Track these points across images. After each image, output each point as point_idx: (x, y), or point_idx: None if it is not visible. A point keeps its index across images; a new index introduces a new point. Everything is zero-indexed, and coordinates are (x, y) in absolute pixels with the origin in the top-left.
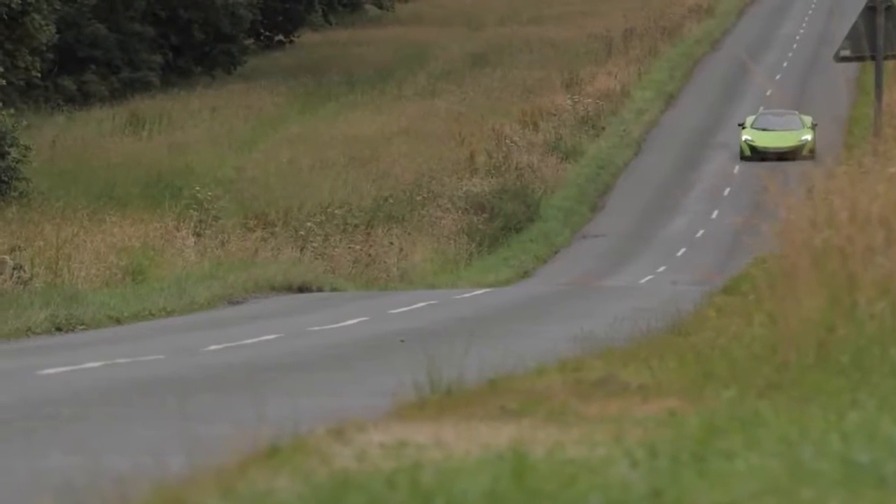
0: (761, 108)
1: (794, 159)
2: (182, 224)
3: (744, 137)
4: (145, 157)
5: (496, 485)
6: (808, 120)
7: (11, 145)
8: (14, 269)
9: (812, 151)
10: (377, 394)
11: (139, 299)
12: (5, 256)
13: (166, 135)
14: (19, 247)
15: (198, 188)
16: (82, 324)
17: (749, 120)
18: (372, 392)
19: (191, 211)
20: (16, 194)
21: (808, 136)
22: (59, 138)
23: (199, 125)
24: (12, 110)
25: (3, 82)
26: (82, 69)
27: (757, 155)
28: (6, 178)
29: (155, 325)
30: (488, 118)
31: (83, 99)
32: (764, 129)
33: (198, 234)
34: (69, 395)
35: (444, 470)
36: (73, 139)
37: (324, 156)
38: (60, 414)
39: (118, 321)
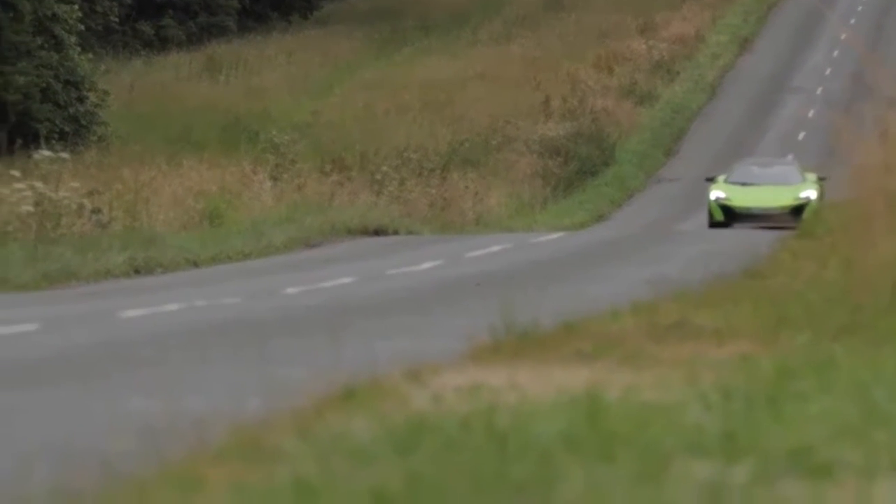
0: (746, 159)
1: (788, 227)
2: (259, 168)
3: (714, 196)
4: (222, 102)
5: (571, 427)
6: (810, 175)
7: (90, 90)
8: (93, 212)
9: None
10: (453, 337)
11: (217, 242)
12: (84, 200)
13: (243, 79)
14: (98, 190)
15: (274, 132)
16: (161, 266)
17: (722, 177)
18: (447, 335)
19: (267, 155)
20: (94, 138)
21: (811, 194)
22: (136, 83)
23: (275, 70)
24: (91, 55)
25: (82, 27)
26: (160, 14)
27: (733, 219)
28: (85, 123)
29: (232, 268)
30: (563, 63)
31: (161, 44)
32: (744, 184)
33: (274, 178)
34: (148, 337)
35: (519, 413)
36: (150, 84)
37: (399, 100)
38: (139, 356)
39: (196, 264)
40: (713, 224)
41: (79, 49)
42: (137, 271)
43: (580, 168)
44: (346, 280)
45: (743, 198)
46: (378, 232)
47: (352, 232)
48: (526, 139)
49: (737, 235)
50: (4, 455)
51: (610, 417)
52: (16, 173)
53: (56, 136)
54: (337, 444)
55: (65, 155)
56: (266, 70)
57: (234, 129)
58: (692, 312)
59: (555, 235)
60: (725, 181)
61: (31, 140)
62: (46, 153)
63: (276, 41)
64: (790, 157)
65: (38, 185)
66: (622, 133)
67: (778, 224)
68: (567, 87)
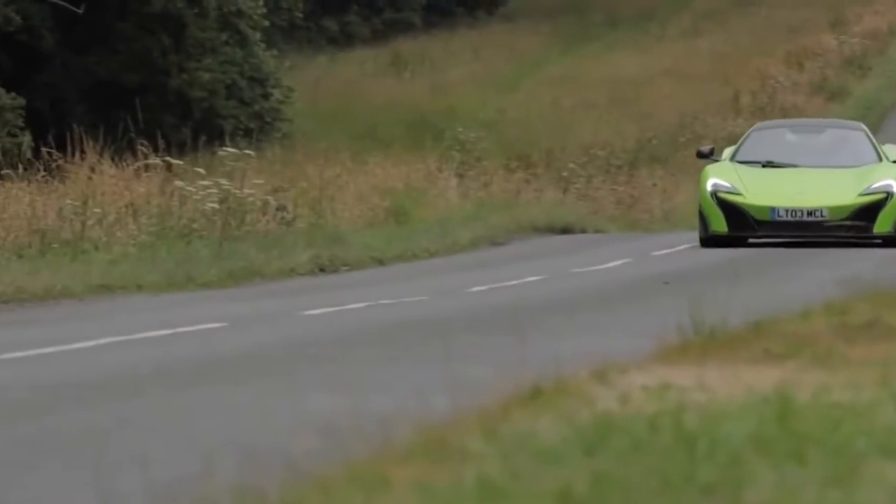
0: (774, 121)
1: (845, 238)
2: (444, 165)
3: (710, 185)
4: (407, 99)
5: (761, 428)
6: (892, 150)
7: (275, 86)
8: (277, 209)
9: None
10: (640, 336)
11: (402, 240)
12: (269, 197)
13: (428, 76)
14: (283, 187)
15: (460, 129)
16: (345, 264)
17: (728, 152)
18: (635, 334)
19: (453, 152)
20: (279, 135)
21: (892, 185)
22: (321, 79)
23: (460, 66)
24: (275, 51)
25: (267, 24)
26: (345, 10)
27: (745, 228)
28: (270, 119)
29: (418, 267)
30: (752, 58)
31: (345, 40)
32: (767, 165)
33: (460, 176)
34: (332, 335)
35: (708, 413)
36: (335, 80)
37: (586, 97)
38: (324, 354)
39: (381, 262)
40: (709, 239)
41: (263, 45)
42: (322, 269)
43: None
44: (532, 278)
45: (764, 190)
46: (565, 230)
47: (538, 230)
48: (714, 136)
49: None
50: (189, 453)
51: (800, 418)
52: (201, 170)
53: (241, 132)
54: (523, 444)
55: (249, 152)
56: (451, 66)
57: (419, 125)
58: (886, 312)
59: None
60: (732, 159)
61: (216, 137)
62: (231, 150)
63: (461, 37)
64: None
65: (223, 182)
66: None
67: (831, 237)
68: (756, 83)
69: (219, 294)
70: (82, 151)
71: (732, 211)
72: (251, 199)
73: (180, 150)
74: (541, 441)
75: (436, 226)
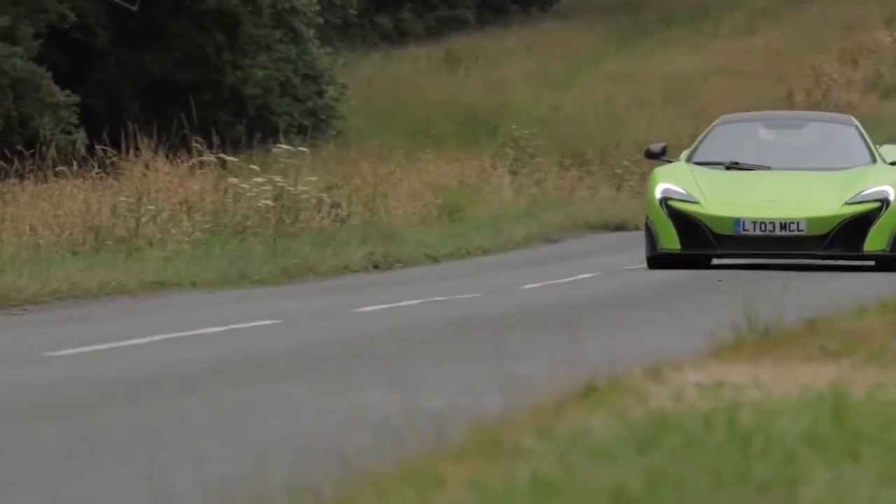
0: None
1: (827, 258)
2: (498, 162)
3: (660, 192)
4: (461, 96)
5: (815, 426)
6: (890, 150)
7: (329, 84)
8: (331, 207)
9: None
10: (694, 333)
11: (455, 237)
12: (323, 194)
13: (482, 73)
14: (336, 185)
15: (514, 126)
16: (399, 262)
17: (685, 154)
18: (688, 331)
19: (507, 149)
20: (333, 132)
21: (887, 192)
22: (375, 76)
23: (514, 63)
24: (329, 49)
25: (321, 21)
26: (398, 7)
27: (702, 245)
28: (324, 117)
29: (471, 264)
30: (806, 55)
31: (399, 37)
32: (732, 168)
33: (514, 173)
34: (386, 332)
35: (762, 410)
36: (389, 77)
37: (640, 94)
38: (377, 351)
39: (435, 259)
40: (657, 258)
41: (317, 43)
42: (376, 266)
43: None
44: (586, 275)
45: (727, 198)
46: (618, 227)
47: (592, 227)
48: None
49: None
50: (242, 451)
51: (855, 416)
52: (255, 167)
53: (295, 130)
54: (576, 442)
55: (303, 149)
56: (505, 63)
57: (473, 123)
58: None
59: None
60: (689, 160)
61: (270, 134)
62: (285, 147)
63: (515, 34)
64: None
65: (277, 179)
66: (867, 127)
67: (810, 256)
68: (810, 81)
69: (273, 291)
70: (137, 149)
71: (686, 223)
72: (305, 196)
73: (234, 147)
74: (594, 439)
75: (489, 223)
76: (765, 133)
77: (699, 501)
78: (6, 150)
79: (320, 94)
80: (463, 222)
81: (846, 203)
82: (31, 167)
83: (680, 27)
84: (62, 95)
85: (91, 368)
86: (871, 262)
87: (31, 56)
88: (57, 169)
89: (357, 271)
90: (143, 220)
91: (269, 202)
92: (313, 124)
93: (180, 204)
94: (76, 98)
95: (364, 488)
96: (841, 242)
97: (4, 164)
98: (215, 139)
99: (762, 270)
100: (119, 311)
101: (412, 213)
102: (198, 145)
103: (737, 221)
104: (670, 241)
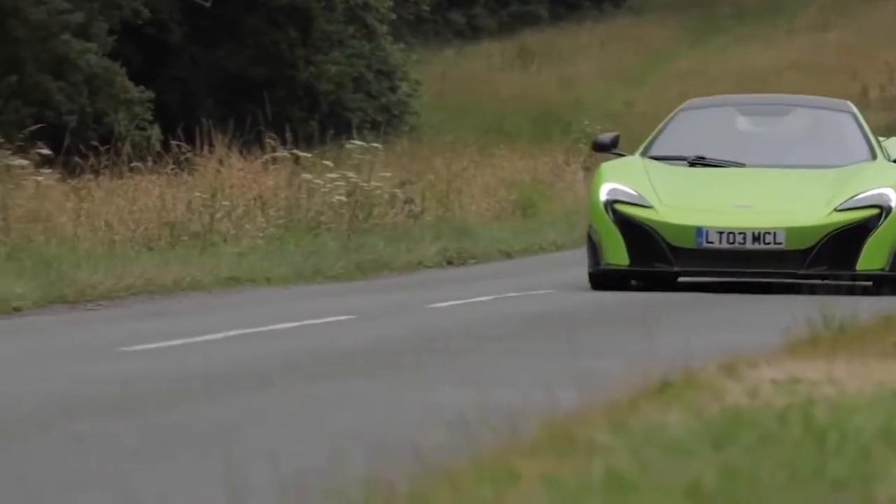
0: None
1: (813, 278)
2: (571, 158)
3: (604, 193)
4: (534, 91)
5: (891, 422)
6: (893, 143)
7: (402, 80)
8: (405, 202)
9: None
10: (769, 330)
11: (529, 233)
12: (396, 190)
13: (555, 69)
14: (410, 180)
15: (587, 122)
16: (473, 257)
17: (641, 149)
18: (764, 328)
19: (580, 145)
20: (406, 128)
21: (888, 195)
22: (448, 72)
23: (588, 59)
24: (402, 45)
25: (394, 17)
26: (471, 3)
27: (657, 259)
28: (397, 113)
29: (545, 259)
30: (881, 51)
31: (472, 33)
32: (697, 164)
33: (587, 169)
34: (460, 328)
35: (838, 407)
36: (462, 73)
37: (713, 90)
38: (451, 347)
39: (508, 255)
40: (600, 275)
41: (390, 38)
42: (450, 262)
43: None
44: None
45: (688, 201)
46: None
47: None
48: None
49: None
50: (317, 446)
51: None
52: (328, 163)
53: (368, 125)
54: (651, 438)
55: (377, 145)
56: (579, 59)
57: (546, 118)
58: None
59: None
60: (645, 154)
61: (343, 130)
62: (358, 143)
63: (588, 30)
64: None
65: (351, 174)
66: None
67: (790, 275)
68: (885, 76)
69: (346, 287)
70: (211, 144)
71: (636, 233)
72: (378, 191)
73: (308, 143)
74: (669, 435)
75: (563, 219)
76: (740, 121)
77: (774, 498)
78: (81, 146)
79: (393, 89)
80: (536, 218)
81: (836, 209)
82: (107, 163)
83: (753, 23)
84: (136, 91)
85: (166, 364)
86: (868, 282)
87: (106, 52)
88: (132, 165)
89: (431, 267)
90: (218, 215)
91: (343, 198)
92: (386, 120)
93: (254, 200)
94: (150, 94)
95: (438, 484)
96: (828, 259)
97: (80, 160)
98: (289, 135)
99: None
100: (193, 307)
101: (485, 209)
102: (271, 141)
103: (699, 231)
104: (616, 254)
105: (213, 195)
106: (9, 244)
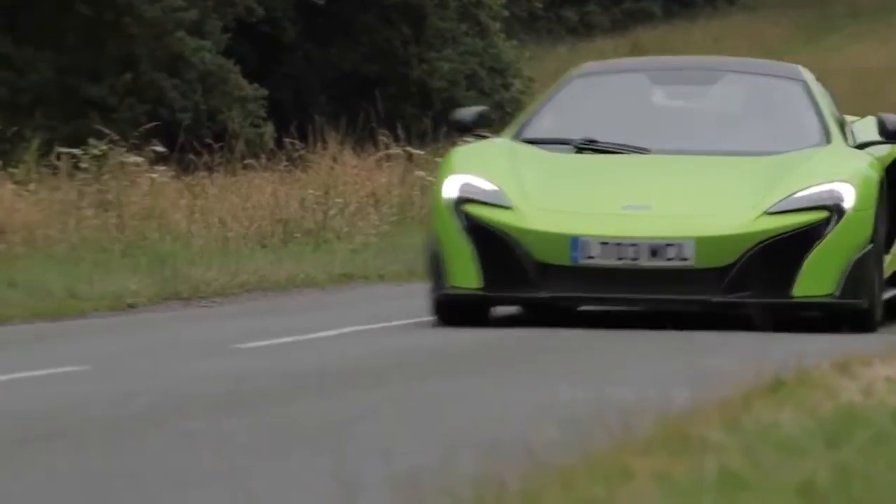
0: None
1: (729, 306)
2: None
3: (453, 186)
4: None
5: None
6: (859, 126)
7: (515, 77)
8: None
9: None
10: (884, 328)
11: None
12: None
13: None
14: None
15: None
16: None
17: (511, 131)
18: (879, 326)
19: None
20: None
21: (842, 192)
22: (560, 70)
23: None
24: (515, 42)
25: (506, 14)
26: (584, 0)
27: (508, 282)
28: (510, 110)
29: None
30: None
31: (585, 30)
32: (591, 151)
33: None
34: (574, 325)
35: None
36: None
37: (829, 88)
38: (565, 345)
39: None
40: (444, 302)
41: (503, 36)
42: None
43: None
44: None
45: (562, 201)
46: None
47: None
48: None
49: None
50: (430, 443)
51: None
52: (441, 160)
53: None
54: (764, 436)
55: None
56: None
57: None
58: None
59: None
60: (517, 137)
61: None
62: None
63: (701, 27)
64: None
65: None
66: None
67: (699, 304)
68: None
69: None
70: (324, 142)
71: (492, 244)
72: None
73: (421, 139)
74: (782, 433)
75: None
76: (650, 92)
77: (888, 496)
78: (195, 143)
79: (506, 87)
80: None
81: (767, 212)
82: (220, 160)
83: (868, 20)
84: (250, 89)
85: (279, 361)
86: (815, 313)
87: (220, 50)
88: (245, 162)
89: None
90: (331, 212)
91: None
92: (499, 117)
93: (367, 197)
94: (264, 91)
95: (551, 481)
96: (755, 281)
97: (194, 157)
98: (401, 132)
99: None
100: (307, 304)
101: None
102: (384, 138)
103: (574, 242)
104: (465, 274)
105: (327, 192)
106: (123, 241)
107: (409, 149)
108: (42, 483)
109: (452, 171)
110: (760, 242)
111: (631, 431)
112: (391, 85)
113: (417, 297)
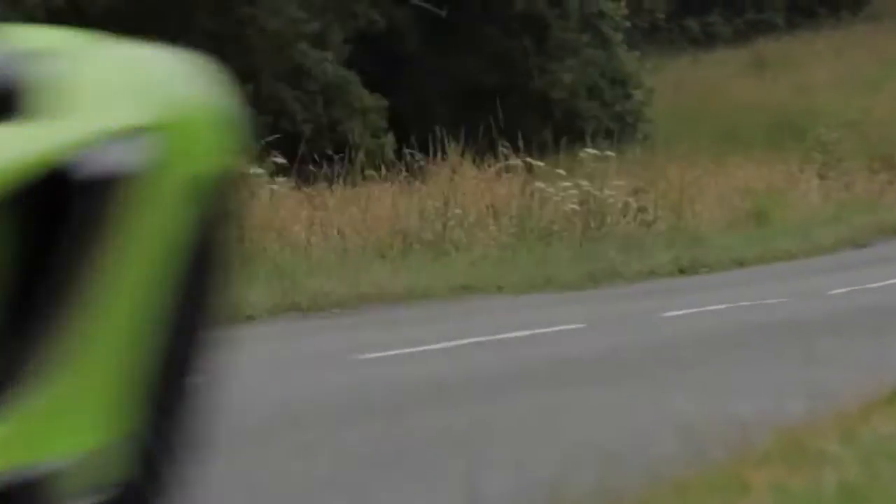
0: None
1: None
2: (805, 166)
3: None
4: (769, 100)
5: None
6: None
7: (636, 87)
8: (638, 211)
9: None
10: None
11: (762, 242)
12: (629, 199)
13: (790, 76)
14: (643, 189)
15: (822, 130)
16: (705, 266)
17: None
18: None
19: (814, 153)
20: (640, 136)
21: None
22: (682, 81)
23: (823, 67)
24: (637, 53)
25: (628, 25)
26: (707, 10)
27: None
28: (631, 121)
29: (778, 268)
30: None
31: (707, 40)
32: None
33: (821, 177)
34: (692, 337)
35: None
36: (696, 81)
37: None
38: (683, 356)
39: (741, 264)
40: None
41: (625, 46)
42: (682, 271)
43: None
44: (895, 281)
45: None
46: None
47: None
48: None
49: None
50: (549, 454)
51: None
52: (561, 171)
53: (601, 134)
54: (882, 448)
55: (610, 153)
56: (814, 67)
57: (780, 126)
58: None
59: None
60: None
61: (576, 138)
62: (592, 151)
63: (824, 37)
64: None
65: (584, 183)
66: None
67: None
68: None
69: (578, 295)
70: (444, 153)
71: None
72: (611, 200)
73: (541, 151)
74: None
75: (797, 227)
76: None
77: None
78: (316, 155)
79: (627, 97)
80: (770, 227)
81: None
82: (340, 172)
83: None
84: (371, 100)
85: (398, 372)
86: None
87: (341, 61)
88: (365, 173)
89: (663, 276)
90: (450, 224)
91: (576, 206)
92: (620, 128)
93: (487, 208)
94: (385, 102)
95: (668, 493)
96: None
97: (314, 169)
98: (521, 143)
99: None
100: (426, 315)
101: (719, 218)
102: (504, 149)
103: None
104: None
105: (446, 203)
106: (242, 252)
107: (528, 160)
108: None
109: None
110: None
111: (748, 444)
112: (512, 96)
113: (535, 309)
